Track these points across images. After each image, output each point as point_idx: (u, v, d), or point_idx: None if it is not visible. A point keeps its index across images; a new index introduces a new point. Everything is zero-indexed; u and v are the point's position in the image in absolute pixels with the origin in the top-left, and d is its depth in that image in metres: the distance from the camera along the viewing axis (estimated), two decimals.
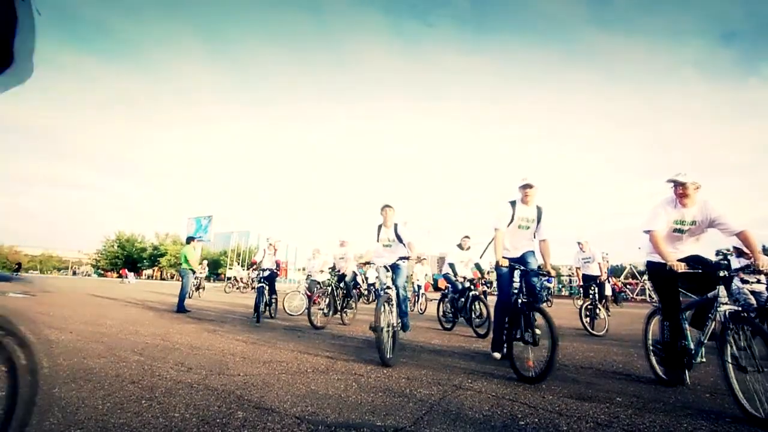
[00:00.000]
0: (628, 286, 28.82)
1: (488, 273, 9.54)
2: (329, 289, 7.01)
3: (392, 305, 4.09)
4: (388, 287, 4.37)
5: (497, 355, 4.05)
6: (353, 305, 7.67)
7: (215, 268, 52.00)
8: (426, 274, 11.93)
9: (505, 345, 3.75)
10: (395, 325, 4.08)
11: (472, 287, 6.74)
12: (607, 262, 10.12)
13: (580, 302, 9.42)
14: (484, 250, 6.00)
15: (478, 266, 7.22)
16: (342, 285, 7.44)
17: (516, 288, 3.71)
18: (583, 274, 7.60)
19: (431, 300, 12.14)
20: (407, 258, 4.78)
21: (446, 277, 7.32)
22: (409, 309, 5.45)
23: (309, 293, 9.15)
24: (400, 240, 5.20)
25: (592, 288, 7.08)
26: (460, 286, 6.90)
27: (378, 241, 5.34)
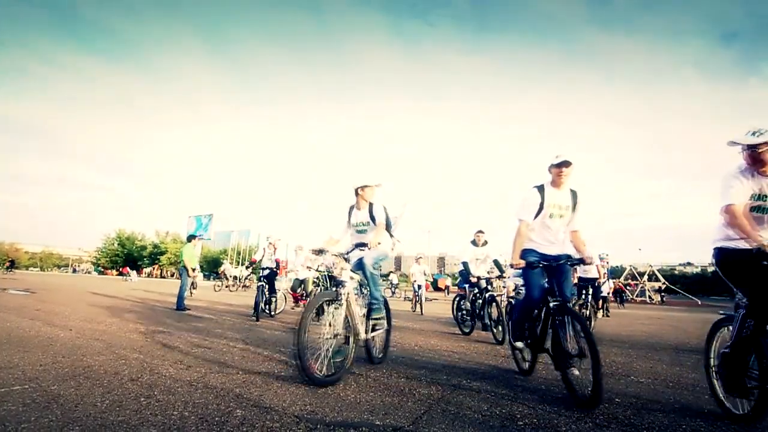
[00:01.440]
0: (627, 287, 28.81)
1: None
2: (318, 289, 6.47)
3: (340, 307, 3.10)
4: (341, 283, 3.22)
5: (520, 344, 3.33)
6: None
7: (215, 266, 52.04)
8: (425, 273, 11.45)
9: (528, 354, 3.29)
10: (353, 339, 3.24)
11: (489, 287, 6.16)
12: (607, 263, 10.03)
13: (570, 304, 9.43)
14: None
15: (496, 263, 6.63)
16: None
17: (541, 287, 3.14)
18: (579, 277, 7.56)
19: (430, 300, 12.15)
20: (365, 245, 3.57)
21: (462, 274, 6.65)
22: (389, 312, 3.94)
23: (293, 292, 9.11)
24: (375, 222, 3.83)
25: (586, 289, 7.11)
26: (476, 286, 6.31)
27: (350, 225, 3.99)
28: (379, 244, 3.50)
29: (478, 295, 6.27)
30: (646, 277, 31.75)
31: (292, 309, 9.25)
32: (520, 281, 8.25)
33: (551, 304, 2.95)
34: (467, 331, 6.24)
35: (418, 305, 10.93)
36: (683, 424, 2.34)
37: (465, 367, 3.71)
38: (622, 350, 5.15)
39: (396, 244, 4.14)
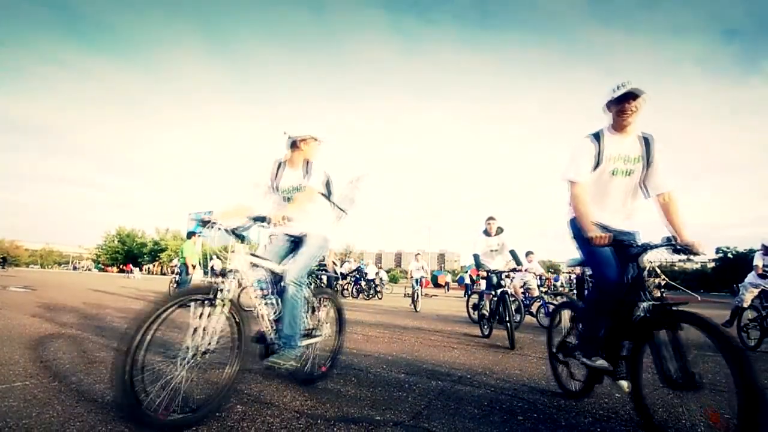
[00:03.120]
0: None
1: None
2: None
3: (214, 311, 2.07)
4: (223, 273, 2.22)
5: (601, 362, 2.20)
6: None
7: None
8: (423, 268, 11.02)
9: (625, 371, 2.12)
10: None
11: (503, 283, 5.28)
12: None
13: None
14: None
15: (513, 253, 5.83)
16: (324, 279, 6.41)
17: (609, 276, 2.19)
18: (577, 276, 7.46)
19: (430, 296, 12.16)
20: (264, 220, 2.31)
21: (478, 268, 5.79)
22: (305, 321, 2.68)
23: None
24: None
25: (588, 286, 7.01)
26: (493, 281, 5.46)
27: (274, 189, 2.79)
28: (288, 220, 2.34)
29: (499, 295, 5.19)
30: (646, 273, 31.64)
31: None
32: (529, 278, 7.92)
33: (644, 305, 2.04)
34: (486, 333, 5.43)
35: (417, 302, 10.41)
36: (683, 419, 2.34)
37: (465, 362, 3.72)
38: None
39: (341, 219, 3.13)
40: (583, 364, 2.36)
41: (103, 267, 58.95)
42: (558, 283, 18.68)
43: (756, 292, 5.52)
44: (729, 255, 50.23)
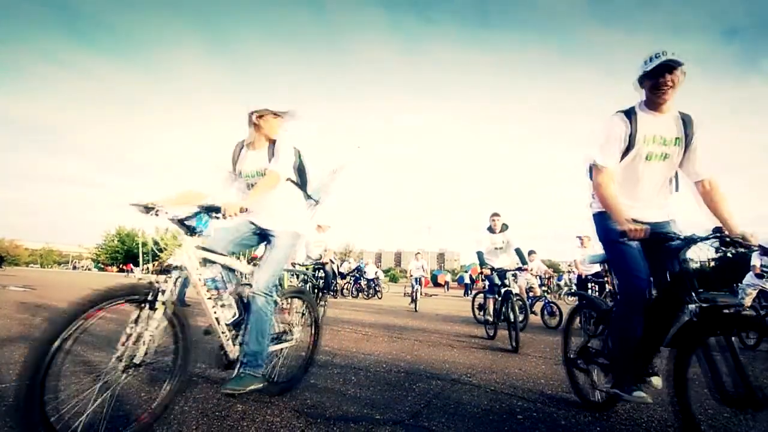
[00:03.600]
0: None
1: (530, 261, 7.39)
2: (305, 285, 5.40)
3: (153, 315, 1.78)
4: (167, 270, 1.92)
5: (642, 394, 1.98)
6: (324, 302, 6.14)
7: None
8: (423, 268, 10.80)
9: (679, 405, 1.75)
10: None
11: (506, 282, 5.03)
12: None
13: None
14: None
15: (519, 252, 5.61)
16: (320, 276, 6.17)
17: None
18: (578, 275, 7.40)
19: (429, 296, 12.17)
20: (217, 210, 1.96)
21: (482, 266, 5.49)
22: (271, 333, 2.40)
23: None
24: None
25: (591, 286, 6.97)
26: (488, 280, 5.40)
27: (235, 174, 2.46)
28: (245, 211, 2.02)
29: (503, 295, 4.99)
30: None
31: None
32: (530, 277, 7.77)
33: (691, 307, 1.76)
34: (492, 334, 5.23)
35: (415, 302, 10.07)
36: None
37: (464, 362, 3.72)
38: None
39: (312, 209, 2.70)
40: (616, 396, 2.08)
41: (102, 266, 58.92)
42: (561, 282, 18.51)
43: (755, 293, 5.54)
44: (729, 254, 50.19)
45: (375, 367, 3.35)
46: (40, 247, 77.79)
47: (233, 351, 2.22)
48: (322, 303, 5.99)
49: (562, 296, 14.81)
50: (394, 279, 51.63)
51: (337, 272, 13.73)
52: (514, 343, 4.41)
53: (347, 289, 15.16)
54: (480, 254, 5.51)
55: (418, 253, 11.51)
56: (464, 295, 20.97)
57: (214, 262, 2.19)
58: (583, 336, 2.55)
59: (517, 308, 4.64)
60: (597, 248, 2.81)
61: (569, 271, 16.70)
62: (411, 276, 10.83)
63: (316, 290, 5.90)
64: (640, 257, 1.98)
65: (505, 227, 5.67)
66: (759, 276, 5.52)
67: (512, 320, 4.56)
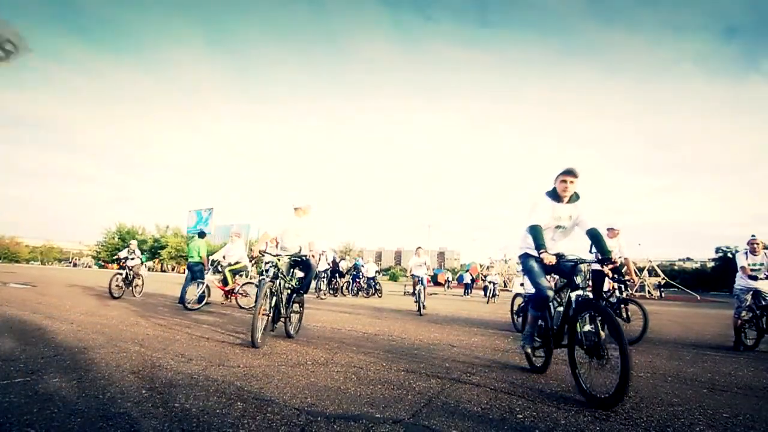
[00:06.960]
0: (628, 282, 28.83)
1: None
2: (270, 283, 4.18)
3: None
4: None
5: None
6: (299, 308, 4.88)
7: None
8: (425, 263, 9.32)
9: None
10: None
11: (579, 281, 3.01)
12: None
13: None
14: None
15: (595, 235, 3.32)
16: (289, 277, 4.57)
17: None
18: (593, 271, 7.27)
19: (429, 295, 12.17)
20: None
21: (539, 248, 3.13)
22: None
23: (220, 285, 8.21)
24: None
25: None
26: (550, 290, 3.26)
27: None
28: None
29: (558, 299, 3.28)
30: (645, 273, 31.80)
31: (222, 304, 8.35)
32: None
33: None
34: (539, 365, 3.40)
35: (420, 303, 8.69)
36: (681, 418, 2.35)
37: (465, 361, 3.73)
38: None
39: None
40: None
41: (103, 263, 58.96)
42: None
43: (750, 298, 5.45)
44: (728, 254, 50.33)
45: (375, 366, 3.35)
46: (40, 244, 77.83)
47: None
48: (296, 309, 4.75)
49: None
50: (393, 278, 51.63)
51: (329, 268, 13.63)
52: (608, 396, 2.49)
53: (347, 288, 15.17)
54: (536, 229, 3.20)
55: (419, 248, 9.76)
56: (464, 295, 20.97)
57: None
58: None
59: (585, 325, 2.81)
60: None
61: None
62: (411, 274, 9.45)
63: (288, 291, 4.56)
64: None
65: (575, 197, 3.39)
66: (752, 277, 5.42)
67: (594, 345, 2.71)
